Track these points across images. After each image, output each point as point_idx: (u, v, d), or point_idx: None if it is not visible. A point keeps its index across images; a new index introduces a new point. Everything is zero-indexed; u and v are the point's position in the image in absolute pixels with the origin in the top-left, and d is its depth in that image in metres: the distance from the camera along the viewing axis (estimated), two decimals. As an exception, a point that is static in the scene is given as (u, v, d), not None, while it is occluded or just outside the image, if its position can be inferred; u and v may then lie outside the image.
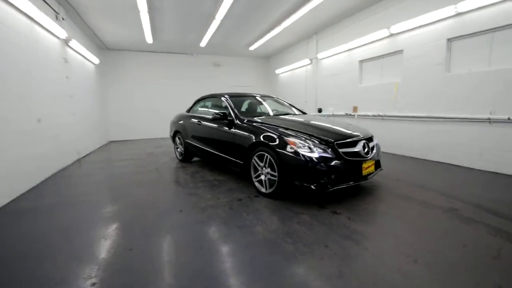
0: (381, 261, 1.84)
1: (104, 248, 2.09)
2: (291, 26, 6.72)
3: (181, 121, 5.29)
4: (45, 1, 4.48)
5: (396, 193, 3.23)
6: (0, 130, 3.14)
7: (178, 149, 5.52)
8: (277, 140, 2.99)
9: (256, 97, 4.67)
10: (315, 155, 2.76)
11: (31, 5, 3.79)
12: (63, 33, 5.02)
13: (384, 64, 5.87)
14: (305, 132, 3.07)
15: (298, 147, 2.82)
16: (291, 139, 2.91)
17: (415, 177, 3.91)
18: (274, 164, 2.96)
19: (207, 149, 4.38)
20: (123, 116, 9.45)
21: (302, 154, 2.76)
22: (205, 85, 10.10)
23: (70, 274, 1.76)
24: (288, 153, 2.84)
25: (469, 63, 4.30)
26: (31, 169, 3.77)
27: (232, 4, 5.32)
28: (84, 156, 6.22)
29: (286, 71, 9.84)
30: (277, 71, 10.26)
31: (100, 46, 8.45)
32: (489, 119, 3.98)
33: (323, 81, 7.75)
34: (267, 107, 4.49)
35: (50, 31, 4.64)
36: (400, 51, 5.37)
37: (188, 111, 5.40)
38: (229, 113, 3.92)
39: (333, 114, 7.27)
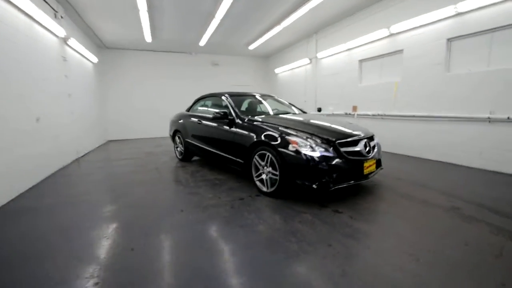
0: (383, 260, 1.84)
1: (105, 248, 2.08)
2: (291, 26, 6.71)
3: (181, 120, 5.28)
4: (44, -1, 4.45)
5: (397, 192, 3.24)
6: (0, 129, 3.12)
7: (178, 148, 5.50)
8: (279, 139, 2.98)
9: (256, 96, 4.67)
10: (316, 154, 2.76)
11: (30, 3, 3.76)
12: (61, 32, 4.98)
13: (384, 64, 5.88)
14: (306, 131, 3.07)
15: (299, 146, 2.81)
16: (292, 138, 2.90)
17: (415, 176, 3.93)
18: (276, 163, 2.96)
19: (207, 148, 4.37)
20: (122, 115, 9.40)
21: (304, 153, 2.76)
22: (204, 84, 10.08)
23: (72, 274, 1.74)
24: (290, 152, 2.84)
25: (469, 63, 4.32)
26: (30, 168, 3.74)
27: (232, 3, 5.31)
28: (83, 156, 6.19)
29: (285, 71, 9.83)
30: (277, 71, 10.25)
31: (98, 44, 8.40)
32: (488, 118, 4.00)
33: (323, 81, 7.75)
34: (267, 106, 4.48)
35: (49, 29, 4.61)
36: (400, 51, 5.38)
37: (188, 110, 5.38)
38: (230, 112, 3.91)
39: (332, 114, 7.27)
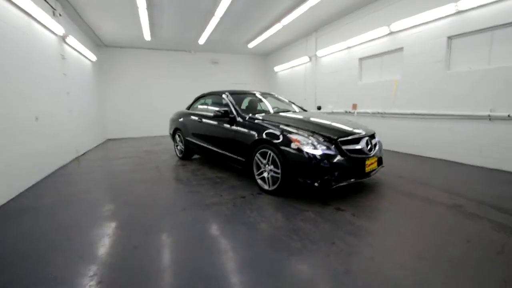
0: (386, 257, 1.84)
1: (106, 246, 2.06)
2: (290, 24, 6.68)
3: (181, 119, 5.26)
4: (42, -3, 4.41)
5: (398, 190, 3.24)
6: (-1, 127, 3.09)
7: (178, 147, 5.48)
8: (280, 138, 2.97)
9: (257, 94, 4.66)
10: (318, 152, 2.75)
11: (28, 0, 3.72)
12: (60, 30, 4.94)
13: (384, 62, 5.88)
14: (308, 129, 3.06)
15: (302, 144, 2.81)
16: (294, 137, 2.89)
17: (416, 174, 3.93)
18: (277, 161, 2.95)
19: (208, 146, 4.35)
20: (121, 114, 9.36)
21: (306, 151, 2.76)
22: (204, 82, 10.04)
23: (73, 273, 1.73)
24: (292, 150, 2.83)
25: (469, 61, 4.32)
26: (30, 167, 3.72)
27: (232, 1, 5.28)
28: (82, 154, 6.16)
29: (285, 69, 9.81)
30: (276, 69, 10.23)
31: (97, 43, 8.34)
32: (489, 116, 4.00)
33: (322, 79, 7.74)
34: (268, 105, 4.47)
35: (48, 27, 4.57)
36: (400, 49, 5.37)
37: (188, 108, 5.37)
38: (231, 110, 3.89)
39: (332, 112, 7.27)
